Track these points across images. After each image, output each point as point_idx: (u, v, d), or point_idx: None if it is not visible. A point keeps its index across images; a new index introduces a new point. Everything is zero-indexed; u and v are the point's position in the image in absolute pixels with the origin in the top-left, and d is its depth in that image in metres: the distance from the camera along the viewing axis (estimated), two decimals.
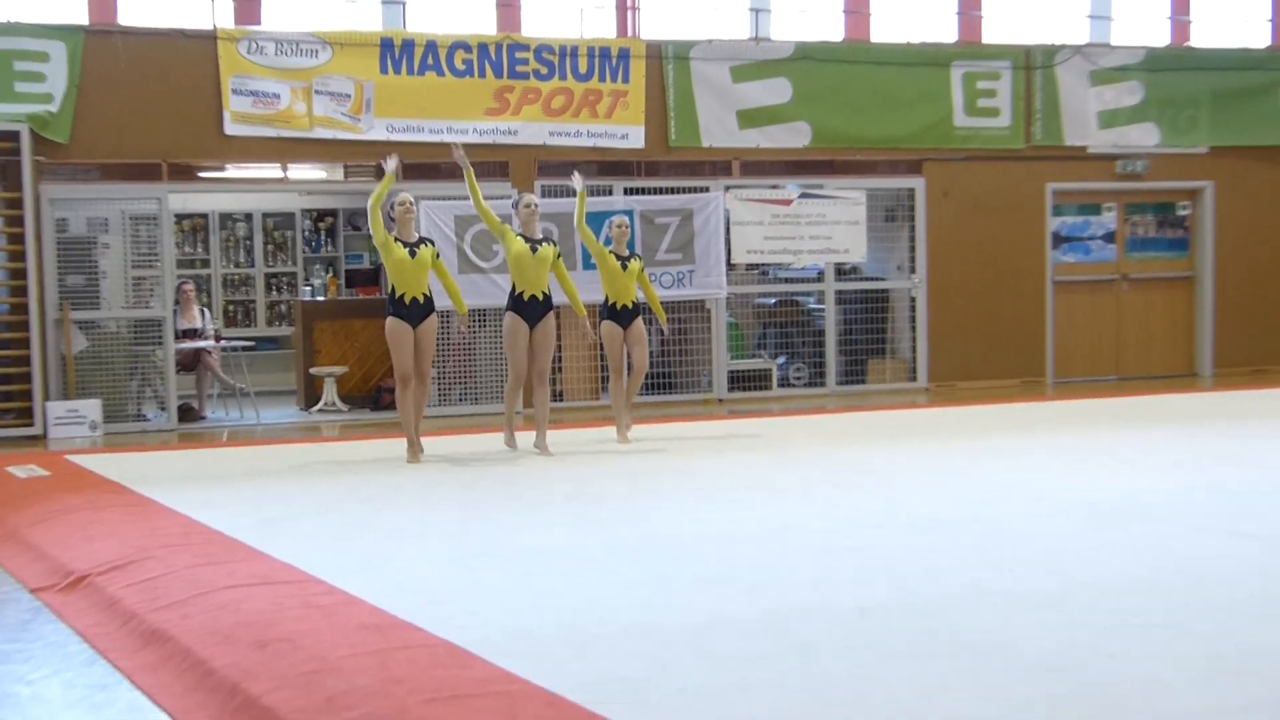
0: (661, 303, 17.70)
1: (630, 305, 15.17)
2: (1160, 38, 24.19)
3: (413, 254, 13.92)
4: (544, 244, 14.37)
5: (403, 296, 13.92)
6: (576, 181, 15.29)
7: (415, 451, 14.14)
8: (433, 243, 14.50)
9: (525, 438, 14.79)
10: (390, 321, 13.96)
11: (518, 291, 14.22)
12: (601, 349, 15.84)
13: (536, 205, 14.62)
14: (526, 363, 14.34)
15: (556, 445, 15.01)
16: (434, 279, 14.24)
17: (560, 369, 18.94)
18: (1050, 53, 21.12)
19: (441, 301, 14.77)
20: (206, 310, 20.01)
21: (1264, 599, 7.88)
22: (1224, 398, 18.74)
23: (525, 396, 15.35)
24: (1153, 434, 15.13)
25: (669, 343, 19.30)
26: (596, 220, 17.56)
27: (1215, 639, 7.16)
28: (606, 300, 15.15)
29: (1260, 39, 25.03)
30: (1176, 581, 8.38)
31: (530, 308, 14.21)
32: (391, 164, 14.26)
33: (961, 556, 9.15)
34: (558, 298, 14.58)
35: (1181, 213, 22.07)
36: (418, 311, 14.02)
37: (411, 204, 14.25)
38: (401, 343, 13.96)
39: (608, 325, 15.14)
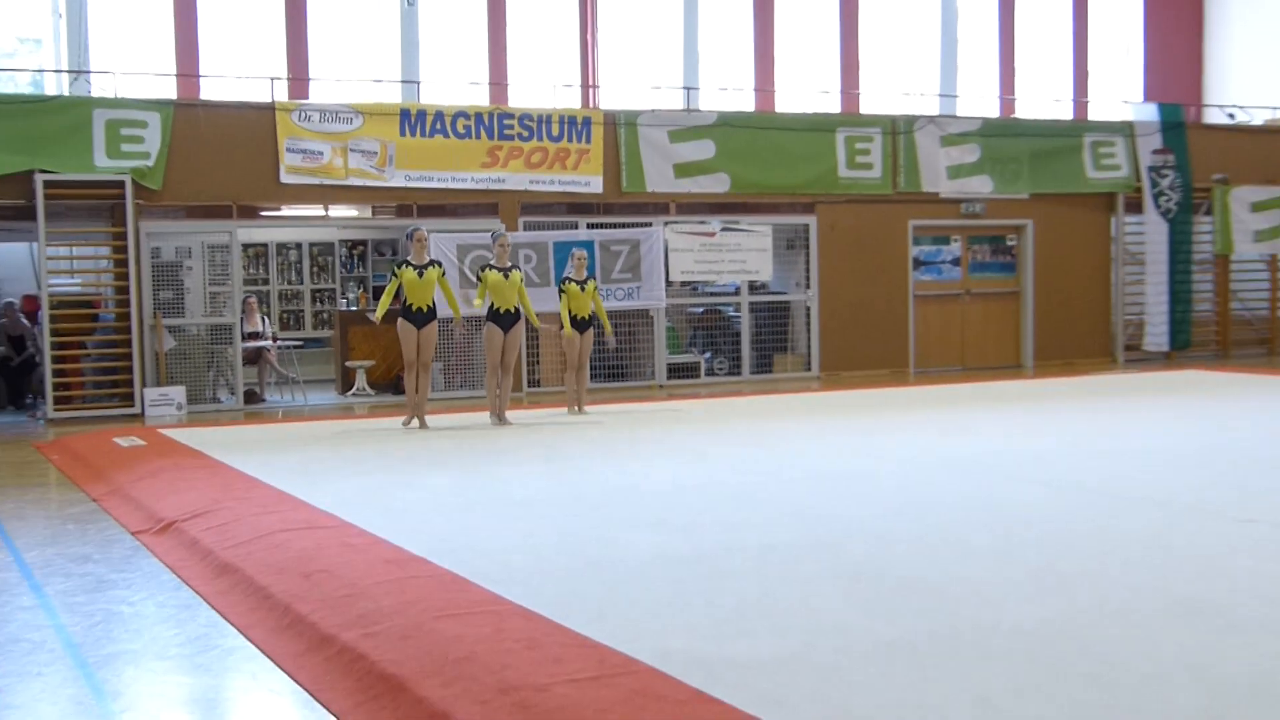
0: (615, 311, 18.04)
1: (585, 317, 15.57)
2: (992, 111, 24.41)
3: (420, 274, 14.40)
4: (513, 270, 14.76)
5: (410, 305, 14.39)
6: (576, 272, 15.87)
7: (411, 418, 14.71)
8: (440, 264, 14.88)
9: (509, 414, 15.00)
10: (401, 323, 14.47)
11: (495, 307, 14.54)
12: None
13: (508, 244, 14.90)
14: (499, 359, 14.67)
15: (535, 421, 15.15)
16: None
17: (539, 363, 19.02)
18: (910, 121, 21.16)
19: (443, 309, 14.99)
20: (266, 318, 19.94)
21: (1054, 530, 8.04)
22: (1040, 383, 18.82)
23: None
24: (986, 409, 15.25)
25: (622, 341, 19.45)
26: (564, 249, 17.69)
27: (1023, 561, 7.33)
28: (571, 313, 15.43)
29: (1065, 113, 25.26)
30: (996, 518, 8.53)
31: (504, 319, 14.61)
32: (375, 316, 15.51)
33: (846, 503, 9.27)
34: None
35: (1009, 243, 22.14)
36: (422, 318, 14.43)
37: (425, 235, 14.79)
38: (408, 339, 14.48)
39: (573, 333, 15.46)
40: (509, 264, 14.77)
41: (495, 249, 14.81)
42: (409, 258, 14.59)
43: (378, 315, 15.27)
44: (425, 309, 14.47)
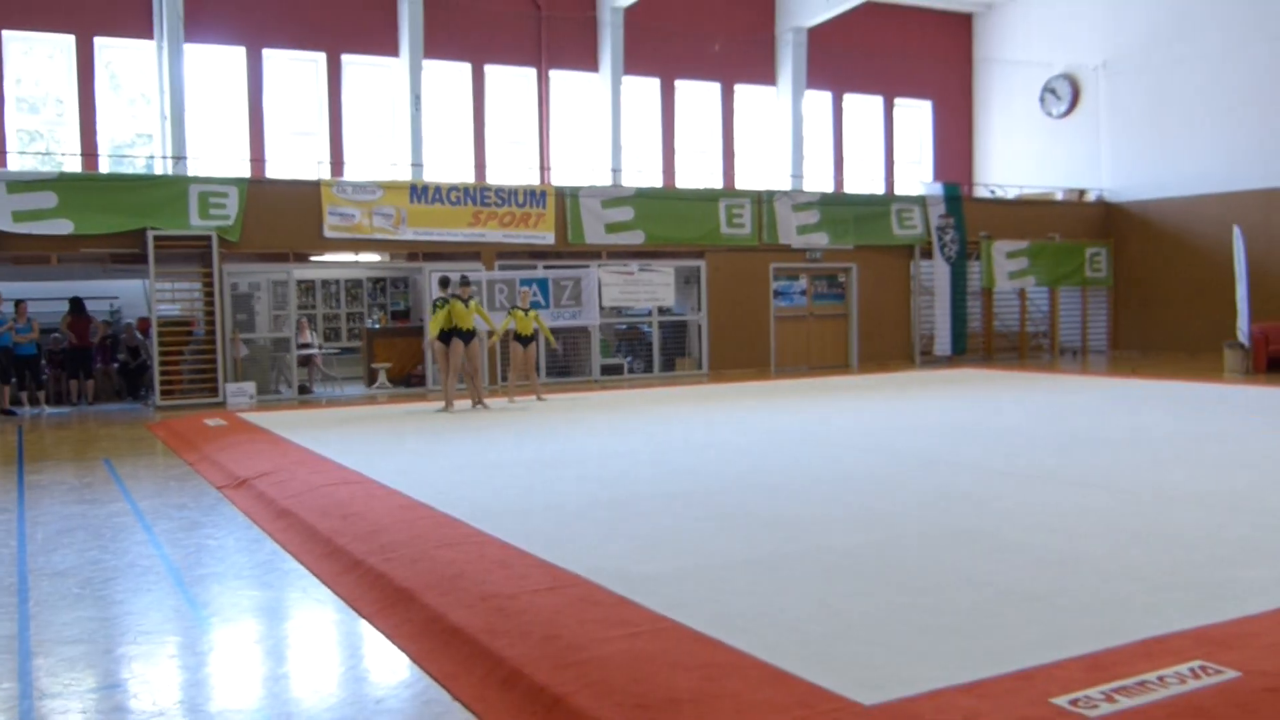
0: (562, 328, 18.20)
1: (529, 335, 15.60)
2: (828, 187, 24.65)
3: (466, 305, 14.56)
4: (472, 300, 14.75)
5: (458, 328, 14.52)
6: (524, 300, 16.12)
7: (450, 406, 14.68)
8: (477, 298, 15.61)
9: (461, 404, 14.96)
10: (453, 341, 14.58)
11: (458, 327, 14.57)
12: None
13: (470, 284, 14.94)
14: (459, 365, 14.73)
15: (503, 408, 15.08)
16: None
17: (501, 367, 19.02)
18: (771, 194, 21.22)
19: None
20: (314, 332, 19.79)
21: (870, 481, 8.13)
22: (862, 378, 19.01)
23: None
24: (824, 396, 15.33)
25: (568, 350, 19.48)
26: (526, 283, 17.72)
27: (849, 503, 7.41)
28: (516, 333, 15.49)
29: (879, 189, 25.58)
30: (829, 472, 8.61)
31: (466, 336, 14.62)
32: (432, 345, 15.30)
33: (726, 464, 9.33)
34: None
35: (840, 280, 22.30)
36: (468, 336, 14.63)
37: (470, 281, 15.09)
38: (457, 351, 14.63)
39: (516, 345, 15.58)
40: (469, 296, 14.71)
41: (459, 288, 14.71)
42: (457, 293, 14.60)
43: (431, 336, 15.11)
44: (470, 330, 14.61)
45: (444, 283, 14.87)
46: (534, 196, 19.06)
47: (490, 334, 16.13)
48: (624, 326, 20.68)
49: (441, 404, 14.87)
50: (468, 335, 14.59)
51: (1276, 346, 18.18)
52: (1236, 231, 19.12)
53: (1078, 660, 4.10)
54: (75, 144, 18.99)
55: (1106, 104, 24.66)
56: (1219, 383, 16.26)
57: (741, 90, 24.58)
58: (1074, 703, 3.67)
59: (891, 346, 22.66)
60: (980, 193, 25.71)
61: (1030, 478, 8.18)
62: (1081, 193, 24.98)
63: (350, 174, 20.16)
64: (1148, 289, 24.12)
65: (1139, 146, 24.12)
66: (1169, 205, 23.60)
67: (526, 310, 15.63)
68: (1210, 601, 4.84)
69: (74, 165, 18.39)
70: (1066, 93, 25.34)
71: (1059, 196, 25.02)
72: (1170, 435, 10.51)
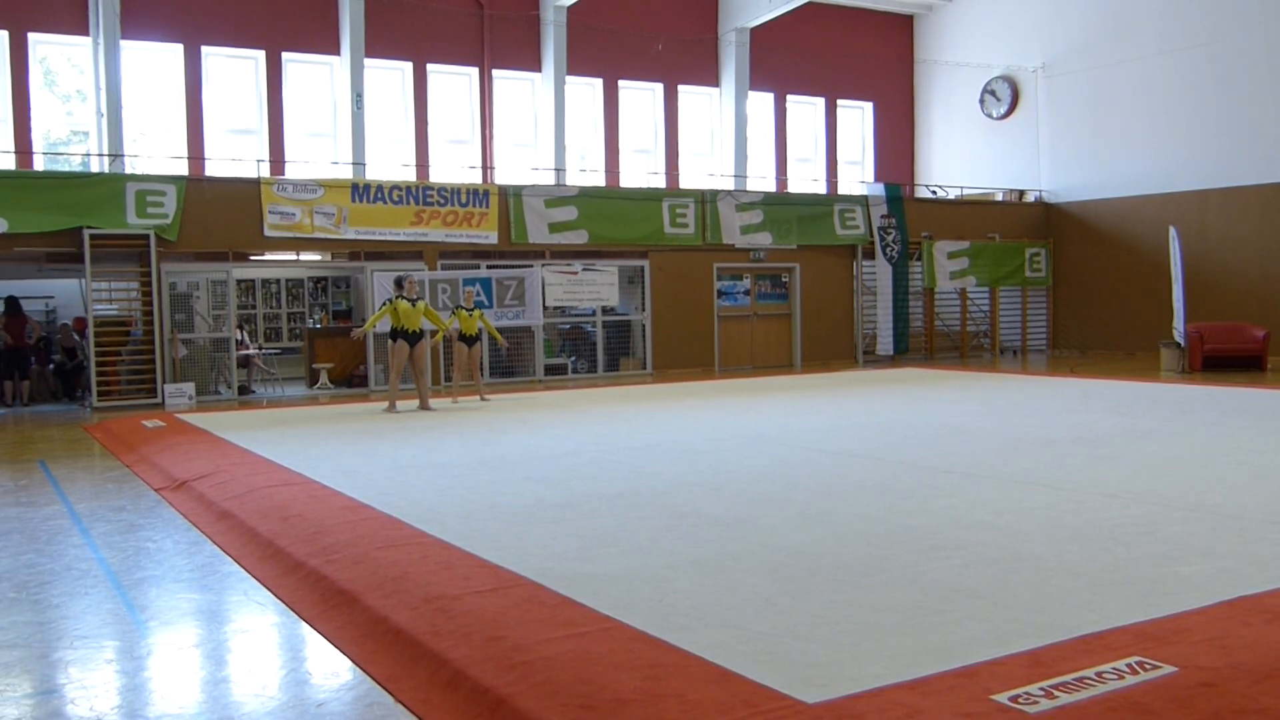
0: (506, 327, 18.19)
1: (473, 335, 15.64)
2: (771, 187, 24.75)
3: (413, 304, 14.34)
4: (419, 301, 14.58)
5: (405, 328, 14.30)
6: (467, 300, 16.01)
7: (391, 405, 14.65)
8: (424, 299, 15.28)
9: (404, 405, 14.82)
10: (399, 342, 14.41)
11: (404, 327, 14.40)
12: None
13: (414, 282, 14.70)
14: (403, 365, 14.61)
15: (446, 408, 14.98)
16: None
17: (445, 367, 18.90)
18: (714, 194, 21.30)
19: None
20: (245, 332, 19.55)
21: (814, 481, 8.17)
22: (806, 377, 19.12)
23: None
24: (768, 396, 15.40)
25: (511, 350, 19.42)
26: (470, 283, 17.66)
27: (793, 502, 7.44)
28: (460, 333, 15.49)
29: (821, 189, 25.73)
30: (774, 472, 8.65)
31: (412, 336, 14.45)
32: (355, 333, 15.45)
33: (671, 464, 9.34)
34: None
35: (783, 280, 22.43)
36: (414, 337, 14.41)
37: (415, 280, 14.75)
38: (402, 353, 14.40)
39: (460, 345, 15.61)
40: (415, 296, 14.54)
41: (406, 285, 14.54)
42: (403, 294, 14.42)
43: (359, 332, 15.24)
44: (417, 331, 14.41)
45: (398, 283, 14.72)
46: (477, 196, 18.98)
47: (434, 334, 16.01)
48: (568, 326, 20.64)
49: (386, 404, 14.78)
50: (414, 336, 14.46)
51: (1211, 346, 18.53)
52: (1173, 232, 19.46)
53: (1018, 657, 4.14)
54: (9, 141, 18.63)
55: (1045, 106, 25.01)
56: (1156, 381, 16.54)
57: (685, 91, 24.64)
58: (1014, 699, 3.71)
59: (835, 346, 22.80)
60: (921, 193, 25.97)
61: (971, 476, 8.27)
62: (1021, 193, 25.32)
63: (291, 173, 19.94)
64: (1086, 289, 24.50)
65: (1078, 148, 24.49)
66: (1107, 206, 23.98)
67: (470, 310, 15.59)
68: (1147, 598, 4.92)
69: (8, 163, 18.03)
70: (1006, 94, 25.67)
71: (999, 197, 25.35)
72: (1108, 434, 10.67)
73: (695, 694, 3.83)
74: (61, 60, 19.43)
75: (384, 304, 14.64)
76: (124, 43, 18.93)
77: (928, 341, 23.78)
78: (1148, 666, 3.99)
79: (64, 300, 19.62)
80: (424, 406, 14.70)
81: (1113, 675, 3.92)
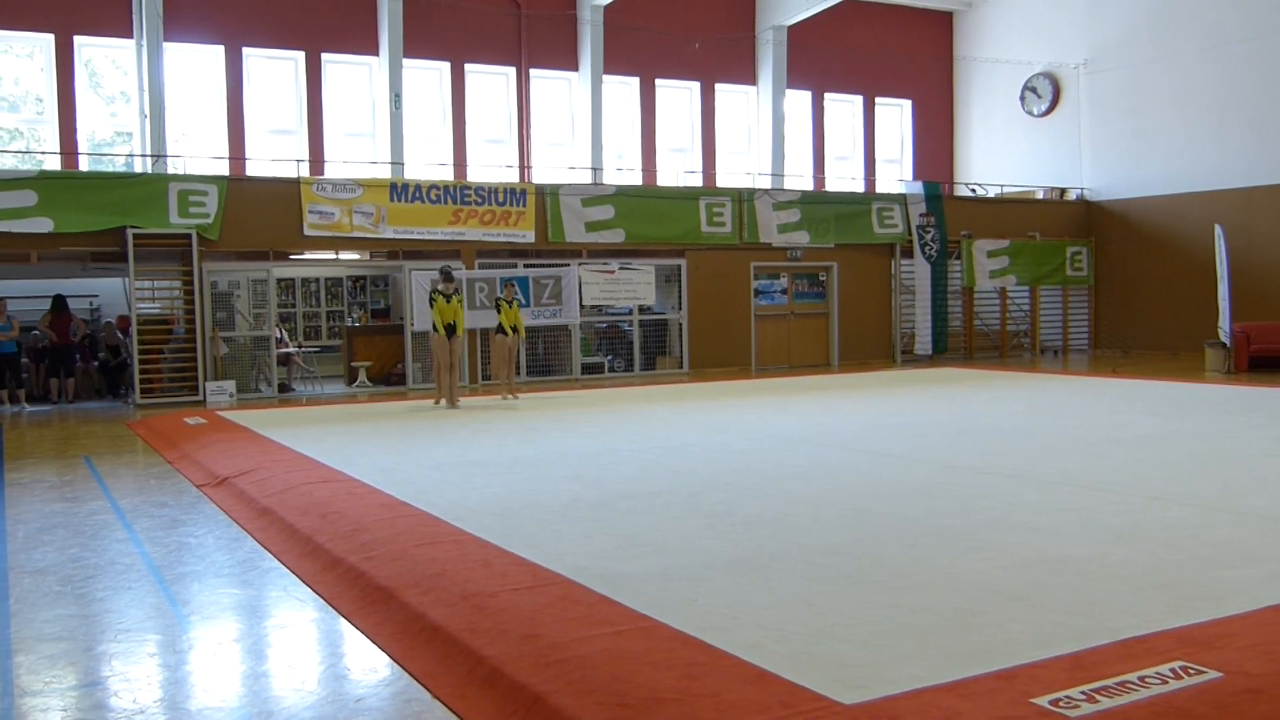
0: (542, 326, 18.83)
1: (511, 329, 15.70)
2: (809, 185, 24.64)
3: (447, 300, 14.76)
4: (455, 296, 14.94)
5: (443, 324, 14.68)
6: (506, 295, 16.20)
7: (440, 399, 15.03)
8: (460, 294, 15.53)
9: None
10: (435, 337, 14.83)
11: (444, 322, 14.74)
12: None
13: (453, 277, 15.05)
14: (449, 359, 14.85)
15: (482, 405, 15.00)
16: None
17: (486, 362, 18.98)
18: (751, 193, 21.26)
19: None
20: (283, 330, 19.69)
21: (854, 480, 8.13)
22: (843, 377, 19.04)
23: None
24: (805, 396, 15.36)
25: (546, 346, 19.54)
26: (506, 281, 17.66)
27: (832, 503, 7.40)
28: (500, 326, 15.68)
29: (859, 188, 25.60)
30: (813, 471, 8.61)
31: (449, 331, 14.74)
32: (435, 336, 15.15)
33: (707, 463, 9.31)
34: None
35: (821, 279, 22.34)
36: (451, 331, 14.74)
37: (454, 276, 15.18)
38: (443, 346, 14.80)
39: (500, 338, 15.73)
40: (451, 291, 14.90)
41: (442, 282, 14.95)
42: (440, 289, 14.81)
43: (437, 335, 15.16)
44: (451, 325, 14.76)
45: (444, 274, 15.04)
46: (514, 195, 19.03)
47: (513, 331, 15.87)
48: (604, 325, 20.66)
49: (438, 400, 15.04)
50: (451, 331, 14.67)
51: (1258, 346, 18.29)
52: (1218, 230, 19.22)
53: (1059, 660, 4.10)
54: (55, 142, 18.88)
55: (1087, 102, 24.78)
56: (1200, 382, 16.34)
57: (721, 89, 24.58)
58: (1055, 703, 3.67)
59: (872, 345, 22.69)
60: (961, 191, 25.79)
61: (1011, 477, 8.19)
62: (1062, 191, 25.08)
63: (330, 172, 20.07)
64: (1129, 288, 24.24)
65: (1120, 145, 24.24)
66: (1150, 204, 23.72)
67: (510, 302, 15.79)
68: (1191, 601, 4.85)
69: (54, 164, 18.27)
70: (1047, 91, 25.44)
71: (1040, 195, 25.11)
72: (1152, 435, 10.55)
73: (731, 694, 3.82)
74: (106, 62, 19.66)
75: (432, 300, 14.95)
76: (167, 44, 19.13)
77: (967, 341, 23.60)
78: (1191, 671, 3.94)
79: (108, 299, 19.84)
80: (453, 404, 14.77)
81: (1155, 680, 3.87)
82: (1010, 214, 24.33)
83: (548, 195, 19.31)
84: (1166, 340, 23.16)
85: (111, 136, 19.86)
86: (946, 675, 3.96)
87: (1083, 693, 3.75)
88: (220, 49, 19.98)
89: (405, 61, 20.89)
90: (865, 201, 22.63)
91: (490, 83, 22.35)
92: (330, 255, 18.92)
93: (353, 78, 21.18)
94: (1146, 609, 4.75)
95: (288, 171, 18.96)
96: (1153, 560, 5.61)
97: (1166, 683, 3.84)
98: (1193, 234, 22.59)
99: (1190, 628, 4.46)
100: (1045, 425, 11.41)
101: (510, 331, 15.71)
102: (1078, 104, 24.99)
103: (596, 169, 22.16)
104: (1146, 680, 3.86)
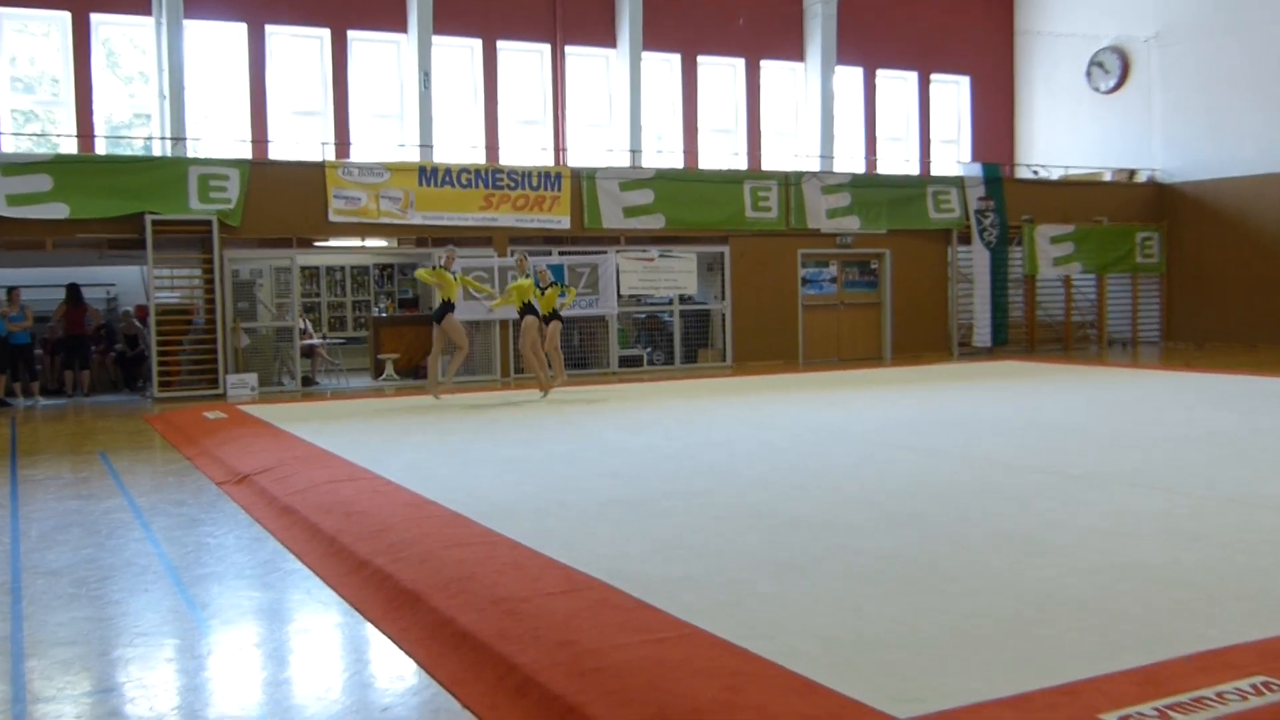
0: (579, 317, 18.65)
1: (550, 313, 15.36)
2: (859, 168, 24.52)
3: (454, 275, 14.77)
4: (459, 273, 15.14)
5: (448, 301, 14.62)
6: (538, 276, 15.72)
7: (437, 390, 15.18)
8: (460, 271, 15.68)
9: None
10: (449, 317, 14.69)
11: (448, 299, 14.75)
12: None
13: (454, 254, 15.23)
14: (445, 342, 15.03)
15: (517, 400, 15.01)
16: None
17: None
18: (798, 176, 21.19)
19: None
20: (306, 321, 19.84)
21: (904, 480, 8.07)
22: (896, 371, 18.94)
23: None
24: (856, 391, 15.28)
25: (583, 338, 19.55)
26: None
27: (881, 504, 7.36)
28: (538, 312, 15.27)
29: (914, 170, 25.41)
30: (861, 471, 8.56)
31: (448, 308, 14.73)
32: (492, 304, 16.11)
33: (751, 461, 9.29)
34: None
35: (872, 266, 22.22)
36: (449, 308, 14.68)
37: (454, 253, 15.34)
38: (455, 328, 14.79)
39: (536, 321, 15.16)
40: (455, 269, 15.01)
41: (445, 259, 14.95)
42: (441, 264, 14.89)
43: (497, 303, 15.98)
44: (451, 302, 14.70)
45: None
46: (549, 178, 19.05)
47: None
48: (643, 315, 20.66)
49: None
50: (445, 308, 14.66)
51: None
52: None
53: (1129, 673, 4.04)
54: (71, 125, 19.10)
55: (1159, 78, 24.47)
56: None
57: (767, 66, 24.48)
58: (1124, 719, 3.62)
59: (927, 337, 22.55)
60: (1022, 173, 25.57)
61: (1076, 477, 8.11)
62: (1132, 173, 24.79)
63: (356, 155, 20.18)
64: (1204, 276, 23.93)
65: (1194, 123, 23.93)
66: (1227, 186, 23.40)
67: (545, 287, 15.28)
68: (1273, 612, 4.77)
69: (70, 147, 18.48)
70: (1115, 66, 25.15)
71: (1107, 177, 24.85)
72: (1229, 432, 10.41)
73: (777, 706, 3.79)
74: (124, 41, 19.86)
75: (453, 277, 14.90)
76: (187, 22, 19.30)
77: (1029, 333, 23.41)
78: (1273, 687, 3.86)
79: (125, 288, 20.05)
80: (437, 393, 15.02)
81: (1234, 696, 3.80)
82: (1075, 197, 24.08)
83: (584, 179, 19.31)
84: (1244, 332, 22.85)
85: (130, 118, 20.06)
86: (1005, 688, 3.92)
87: (1154, 709, 3.69)
88: (243, 26, 20.13)
89: (435, 39, 20.96)
90: (920, 184, 22.48)
91: (524, 60, 22.38)
92: (356, 242, 19.04)
93: (380, 56, 21.27)
94: (1224, 619, 4.67)
95: (312, 154, 19.09)
96: (1231, 567, 5.52)
97: (1246, 699, 3.76)
98: (1273, 218, 22.28)
99: (1273, 640, 4.38)
100: (1112, 422, 11.29)
101: (546, 320, 15.47)
102: (1148, 79, 24.69)
103: (635, 151, 22.15)
104: (1224, 696, 3.79)
